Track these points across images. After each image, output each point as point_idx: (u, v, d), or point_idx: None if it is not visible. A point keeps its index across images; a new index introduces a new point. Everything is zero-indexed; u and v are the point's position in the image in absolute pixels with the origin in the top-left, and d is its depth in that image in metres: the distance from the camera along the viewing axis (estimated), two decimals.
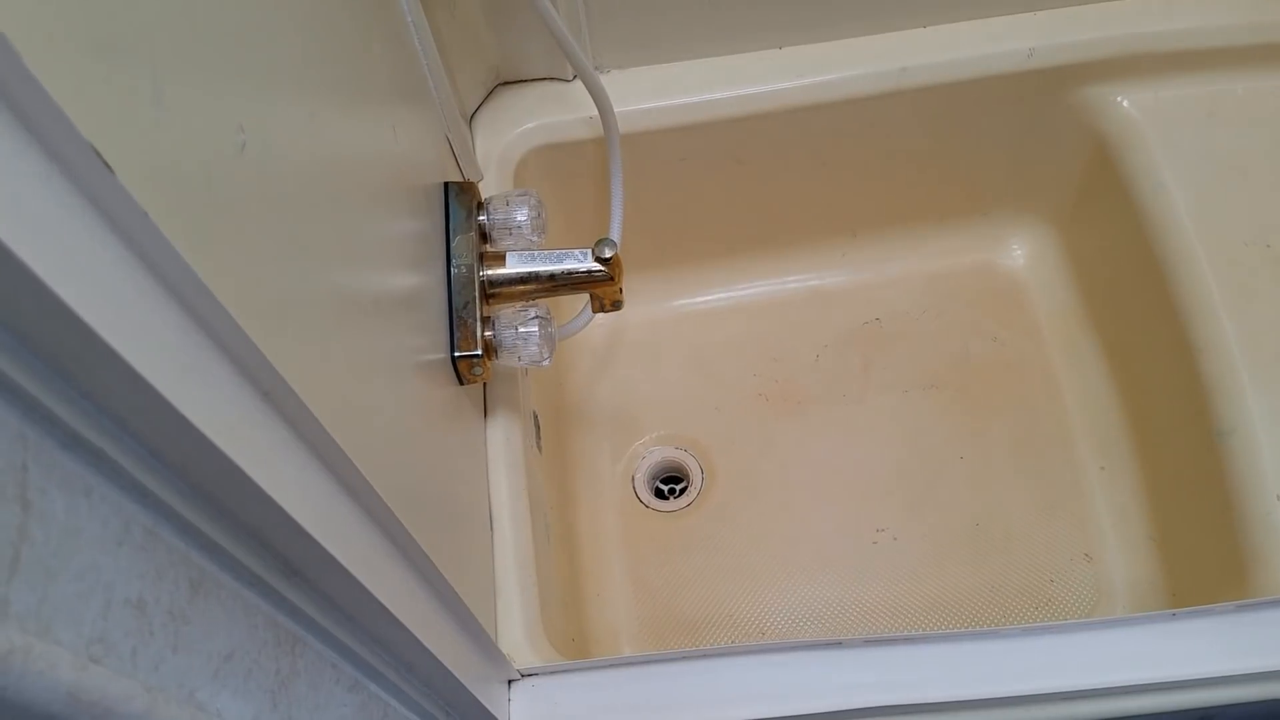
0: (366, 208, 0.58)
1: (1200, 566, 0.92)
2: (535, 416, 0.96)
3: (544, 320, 0.81)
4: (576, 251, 0.82)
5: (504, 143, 0.99)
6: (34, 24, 0.25)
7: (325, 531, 0.38)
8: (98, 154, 0.25)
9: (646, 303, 1.17)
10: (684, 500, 1.08)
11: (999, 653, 0.69)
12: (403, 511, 0.47)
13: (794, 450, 1.10)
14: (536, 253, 0.82)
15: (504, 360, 0.81)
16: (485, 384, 0.87)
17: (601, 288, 0.83)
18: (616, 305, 0.85)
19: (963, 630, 0.70)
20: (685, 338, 1.17)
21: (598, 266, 0.81)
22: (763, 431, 1.11)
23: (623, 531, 1.07)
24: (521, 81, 1.03)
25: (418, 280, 0.70)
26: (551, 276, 0.82)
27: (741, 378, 1.14)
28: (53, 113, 0.24)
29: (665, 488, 1.10)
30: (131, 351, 0.26)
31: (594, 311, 0.88)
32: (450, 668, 0.53)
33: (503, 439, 0.85)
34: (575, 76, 1.01)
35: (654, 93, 1.01)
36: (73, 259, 0.24)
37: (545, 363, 0.81)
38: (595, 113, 0.94)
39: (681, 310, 1.18)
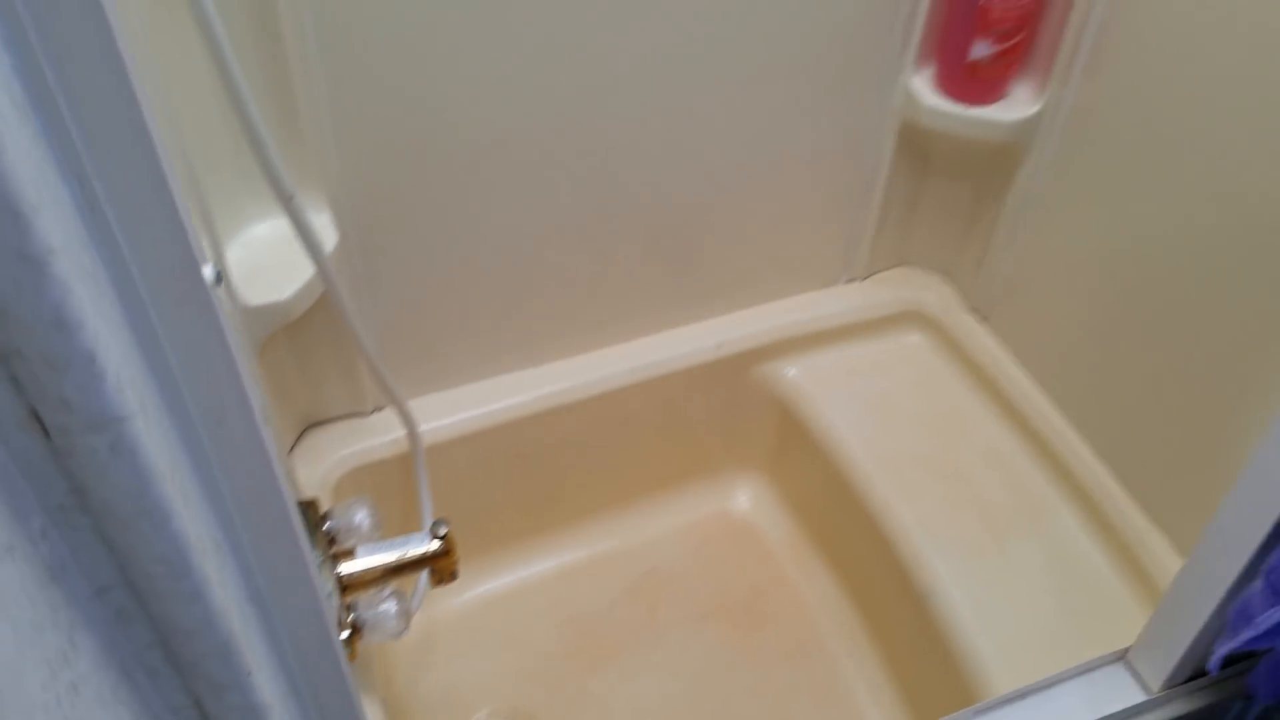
0: None
1: (944, 707, 1.16)
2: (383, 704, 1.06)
3: (399, 594, 0.95)
4: (414, 536, 0.99)
5: (321, 471, 1.16)
6: None
7: None
8: None
9: (451, 594, 1.31)
10: None
11: None
12: None
13: (611, 697, 1.25)
14: (381, 542, 0.98)
15: (369, 637, 0.93)
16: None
17: (441, 561, 0.99)
18: (453, 576, 1.01)
19: None
20: (490, 619, 1.31)
21: (437, 543, 0.98)
22: (581, 687, 1.25)
23: None
24: (326, 421, 1.21)
25: None
26: (399, 560, 0.97)
27: (549, 643, 1.29)
28: None
29: None
30: None
31: (433, 585, 1.03)
32: None
33: None
34: (373, 410, 1.21)
35: (441, 412, 1.23)
36: None
37: (405, 633, 0.95)
38: (393, 436, 1.14)
39: (483, 596, 1.34)
